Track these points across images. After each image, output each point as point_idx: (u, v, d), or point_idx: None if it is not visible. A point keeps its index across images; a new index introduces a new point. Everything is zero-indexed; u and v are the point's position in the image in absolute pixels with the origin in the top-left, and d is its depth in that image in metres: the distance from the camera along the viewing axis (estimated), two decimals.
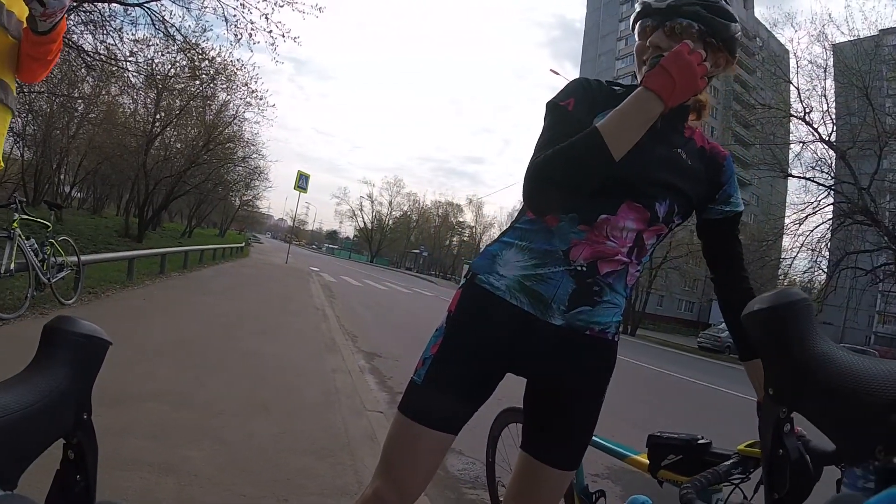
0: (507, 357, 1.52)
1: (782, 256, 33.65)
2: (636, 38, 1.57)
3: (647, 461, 1.65)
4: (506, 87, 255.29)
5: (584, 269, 1.46)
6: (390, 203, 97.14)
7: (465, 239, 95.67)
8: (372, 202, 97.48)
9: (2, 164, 2.15)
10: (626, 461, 1.95)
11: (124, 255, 10.01)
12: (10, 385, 0.72)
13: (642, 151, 1.43)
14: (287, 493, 2.93)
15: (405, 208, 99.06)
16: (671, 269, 40.95)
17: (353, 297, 17.93)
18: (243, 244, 32.67)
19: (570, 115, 1.50)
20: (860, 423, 0.75)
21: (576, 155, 1.38)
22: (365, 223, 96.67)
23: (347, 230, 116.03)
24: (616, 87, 1.59)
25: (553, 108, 1.52)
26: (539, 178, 1.41)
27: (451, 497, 3.61)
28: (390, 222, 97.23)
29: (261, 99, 21.13)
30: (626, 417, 6.23)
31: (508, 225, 1.61)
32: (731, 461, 1.42)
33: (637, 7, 1.55)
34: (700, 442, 1.55)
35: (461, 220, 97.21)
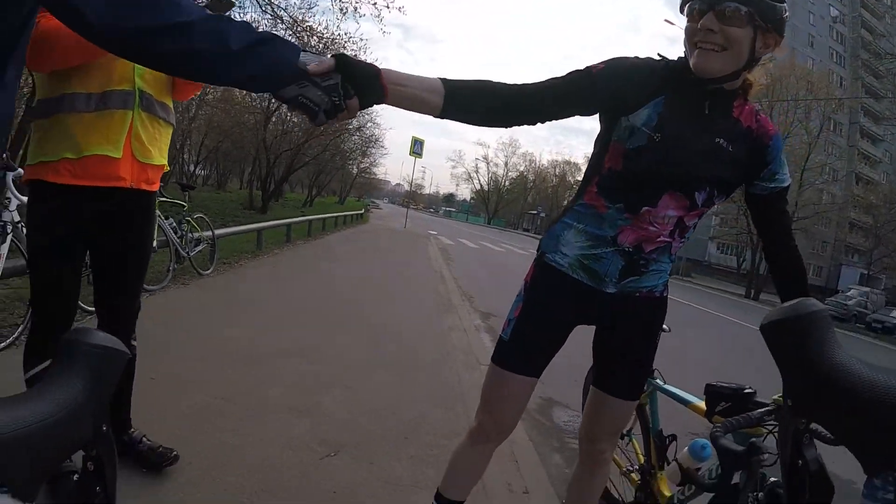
0: (573, 317, 1.86)
1: None
2: (685, 19, 1.61)
3: (705, 408, 1.87)
4: (620, 40, 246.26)
5: (631, 250, 1.73)
6: (506, 164, 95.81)
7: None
8: (487, 164, 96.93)
9: (168, 166, 2.54)
10: (688, 406, 2.22)
11: (253, 227, 10.59)
12: (27, 397, 0.73)
13: (685, 147, 1.62)
14: (407, 432, 3.36)
15: (521, 169, 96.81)
16: (797, 231, 38.97)
17: (470, 260, 18.27)
18: (362, 211, 33.45)
19: (591, 77, 1.63)
20: (879, 433, 0.76)
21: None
22: (481, 185, 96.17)
23: (464, 193, 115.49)
24: (664, 62, 1.70)
25: (576, 73, 1.65)
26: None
27: (555, 445, 3.93)
28: (506, 183, 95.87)
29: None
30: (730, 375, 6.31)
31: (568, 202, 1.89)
32: (765, 409, 1.63)
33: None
34: (746, 391, 1.78)
35: (579, 178, 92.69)
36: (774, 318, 1.06)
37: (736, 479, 1.53)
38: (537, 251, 1.93)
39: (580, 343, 2.01)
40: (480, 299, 9.60)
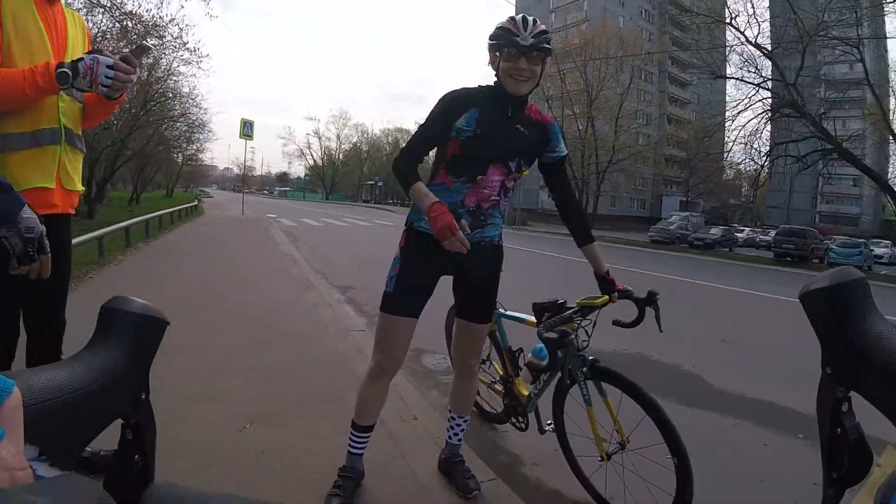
0: (440, 268, 2.54)
1: (725, 150, 35.32)
2: (488, 50, 2.39)
3: (535, 321, 2.66)
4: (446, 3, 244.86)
5: (474, 209, 2.46)
6: (338, 137, 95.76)
7: None
8: (319, 138, 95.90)
9: (83, 188, 2.81)
10: (524, 323, 3.00)
11: (92, 235, 9.63)
12: (67, 365, 0.72)
13: (498, 136, 2.39)
14: (304, 395, 3.91)
15: (354, 140, 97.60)
16: (618, 171, 42.03)
17: (316, 238, 18.46)
18: (195, 202, 30.99)
19: (437, 123, 2.41)
20: None
21: (401, 178, 2.39)
22: (315, 161, 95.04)
23: (297, 170, 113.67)
24: (479, 88, 2.47)
25: (430, 115, 2.43)
26: (395, 169, 2.43)
27: (430, 384, 4.71)
28: (340, 156, 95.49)
29: (194, 50, 20.76)
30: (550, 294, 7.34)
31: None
32: (573, 310, 2.57)
33: (500, 36, 2.31)
34: (559, 302, 2.64)
35: None
36: (813, 287, 1.09)
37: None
38: (406, 223, 2.59)
39: (433, 304, 2.64)
40: (334, 275, 9.97)
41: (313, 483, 2.69)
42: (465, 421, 2.89)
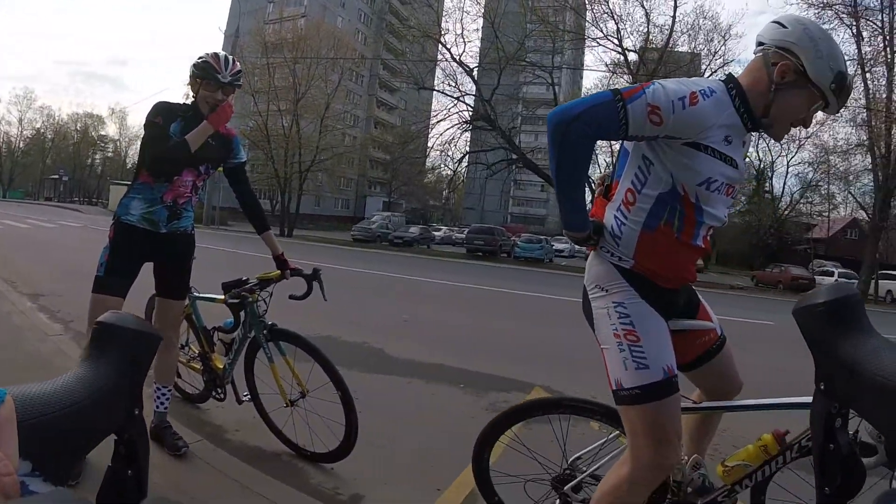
0: (144, 254, 2.97)
1: (427, 155, 38.15)
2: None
3: (223, 298, 3.19)
4: None
5: (171, 203, 2.96)
6: (20, 121, 77.17)
7: (110, 155, 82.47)
8: None
9: None
10: (215, 302, 3.42)
11: None
12: (61, 381, 0.72)
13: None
14: None
15: (38, 126, 78.82)
16: (319, 172, 42.41)
17: None
18: None
19: (162, 127, 2.83)
20: None
21: (178, 153, 2.80)
22: None
23: None
24: (181, 104, 2.99)
25: (152, 124, 2.83)
26: (165, 161, 2.85)
27: None
28: (21, 145, 77.93)
29: None
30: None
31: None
32: (253, 283, 3.17)
33: (204, 69, 2.85)
34: (243, 279, 3.20)
35: (104, 133, 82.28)
36: (808, 303, 1.10)
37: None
38: (114, 217, 2.97)
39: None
40: (23, 282, 8.80)
41: None
42: (169, 390, 3.27)
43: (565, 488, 2.21)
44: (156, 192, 2.92)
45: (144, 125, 2.87)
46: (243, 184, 3.30)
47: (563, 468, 2.27)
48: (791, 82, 1.70)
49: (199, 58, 2.92)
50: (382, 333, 6.86)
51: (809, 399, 1.79)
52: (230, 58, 2.94)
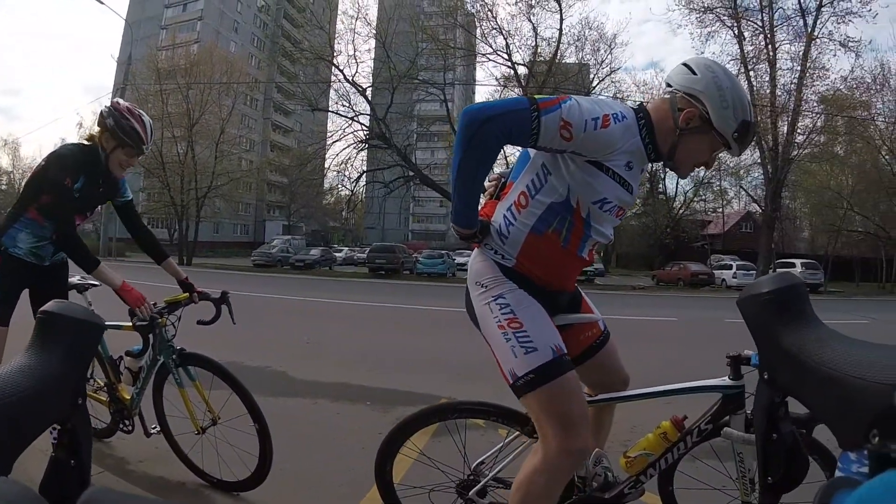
0: (25, 283, 3.02)
1: (325, 177, 37.93)
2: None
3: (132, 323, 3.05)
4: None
5: (54, 238, 2.98)
6: None
7: (3, 187, 72.47)
8: None
9: None
10: (123, 329, 3.12)
11: None
12: (5, 370, 0.71)
13: (91, 195, 3.00)
14: None
15: None
16: (218, 197, 41.54)
17: None
18: None
19: (70, 190, 2.84)
20: (854, 407, 0.75)
21: (79, 254, 2.90)
22: None
23: None
24: (84, 155, 2.93)
25: (62, 186, 2.81)
26: (68, 237, 2.91)
27: None
28: None
29: None
30: None
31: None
32: (161, 307, 3.03)
33: (129, 134, 2.89)
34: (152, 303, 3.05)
35: None
36: (751, 292, 1.11)
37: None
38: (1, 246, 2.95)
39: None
40: None
41: None
42: None
43: (470, 493, 2.18)
44: (45, 230, 2.97)
45: (49, 178, 2.84)
46: (135, 219, 3.33)
47: (467, 474, 2.24)
48: (696, 128, 1.77)
49: (122, 117, 2.88)
50: (284, 356, 6.70)
51: (707, 382, 1.87)
52: (151, 124, 2.99)
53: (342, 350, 7.51)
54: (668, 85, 1.85)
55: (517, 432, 2.14)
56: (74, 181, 2.84)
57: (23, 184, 3.23)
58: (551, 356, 1.76)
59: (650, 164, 1.93)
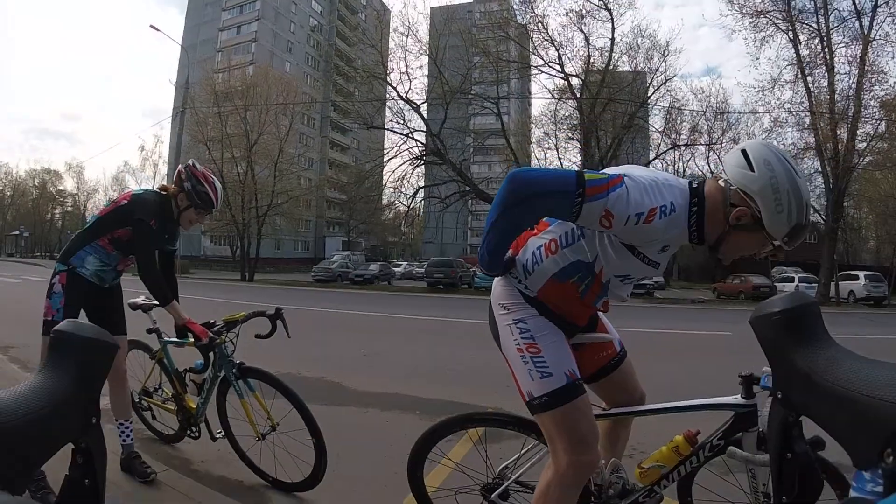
0: (84, 302, 3.26)
1: (382, 193, 38.35)
2: None
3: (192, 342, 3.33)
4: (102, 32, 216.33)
5: (120, 271, 3.40)
6: None
7: (69, 209, 79.65)
8: None
9: None
10: (185, 346, 3.48)
11: None
12: (19, 390, 0.71)
13: (157, 239, 3.35)
14: None
15: None
16: (278, 215, 42.09)
17: None
18: None
19: (155, 232, 3.20)
20: (868, 426, 0.74)
21: (160, 292, 3.22)
22: None
23: None
24: (160, 203, 3.31)
25: (147, 226, 3.16)
26: (148, 277, 3.18)
27: None
28: None
29: None
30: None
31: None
32: (220, 326, 3.30)
33: (202, 198, 3.35)
34: (210, 322, 3.32)
35: (62, 188, 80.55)
36: (765, 311, 1.11)
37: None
38: (67, 265, 3.21)
39: None
40: None
41: None
42: (129, 423, 3.42)
43: (492, 496, 2.33)
44: (112, 259, 3.31)
45: (135, 218, 3.15)
46: (169, 267, 3.64)
47: (492, 478, 2.40)
48: (747, 225, 1.72)
49: (199, 182, 3.30)
50: (340, 368, 6.90)
51: (719, 400, 1.95)
52: (222, 191, 3.46)
53: (397, 362, 7.71)
54: (724, 171, 1.79)
55: (535, 441, 2.28)
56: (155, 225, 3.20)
57: (94, 212, 3.54)
58: (565, 381, 1.89)
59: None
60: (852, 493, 0.75)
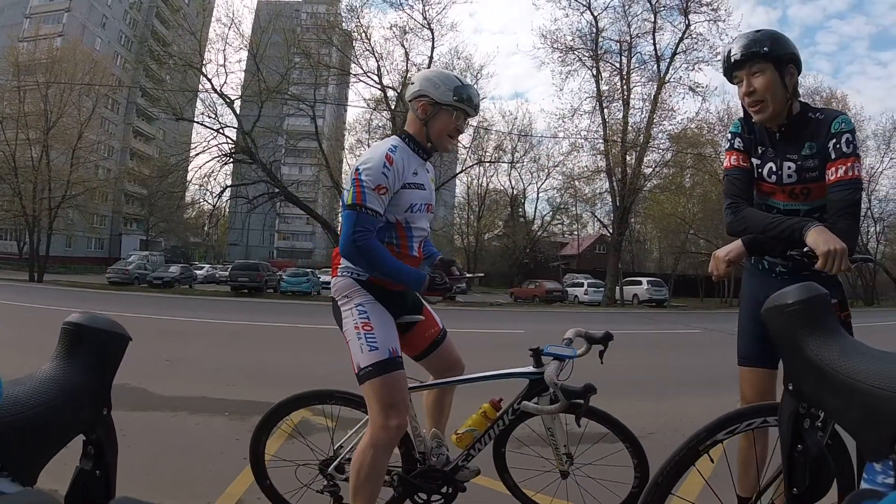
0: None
1: (186, 190, 36.58)
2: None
3: None
4: None
5: None
6: None
7: None
8: None
9: None
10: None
11: None
12: (29, 380, 0.70)
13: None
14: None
15: None
16: (72, 208, 38.70)
17: None
18: None
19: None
20: (880, 418, 0.75)
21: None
22: None
23: None
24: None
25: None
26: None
27: None
28: None
29: None
30: None
31: None
32: None
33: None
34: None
35: None
36: (776, 303, 1.09)
37: None
38: None
39: None
40: None
41: None
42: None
43: (329, 469, 2.60)
44: None
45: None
46: None
47: (329, 454, 2.67)
48: (432, 113, 2.37)
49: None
50: (144, 373, 6.46)
51: (515, 370, 2.38)
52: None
53: (201, 367, 7.56)
54: (410, 101, 2.44)
55: (366, 416, 2.51)
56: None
57: None
58: (388, 356, 2.28)
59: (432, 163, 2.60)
60: (863, 485, 0.77)
